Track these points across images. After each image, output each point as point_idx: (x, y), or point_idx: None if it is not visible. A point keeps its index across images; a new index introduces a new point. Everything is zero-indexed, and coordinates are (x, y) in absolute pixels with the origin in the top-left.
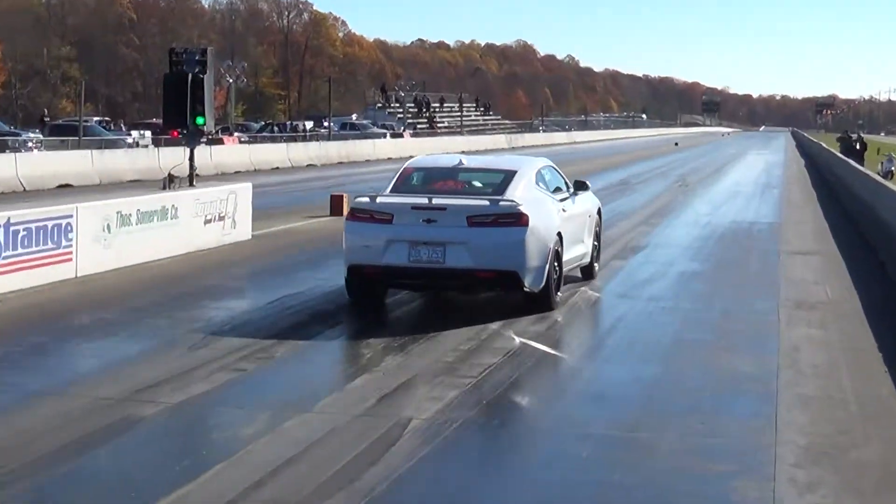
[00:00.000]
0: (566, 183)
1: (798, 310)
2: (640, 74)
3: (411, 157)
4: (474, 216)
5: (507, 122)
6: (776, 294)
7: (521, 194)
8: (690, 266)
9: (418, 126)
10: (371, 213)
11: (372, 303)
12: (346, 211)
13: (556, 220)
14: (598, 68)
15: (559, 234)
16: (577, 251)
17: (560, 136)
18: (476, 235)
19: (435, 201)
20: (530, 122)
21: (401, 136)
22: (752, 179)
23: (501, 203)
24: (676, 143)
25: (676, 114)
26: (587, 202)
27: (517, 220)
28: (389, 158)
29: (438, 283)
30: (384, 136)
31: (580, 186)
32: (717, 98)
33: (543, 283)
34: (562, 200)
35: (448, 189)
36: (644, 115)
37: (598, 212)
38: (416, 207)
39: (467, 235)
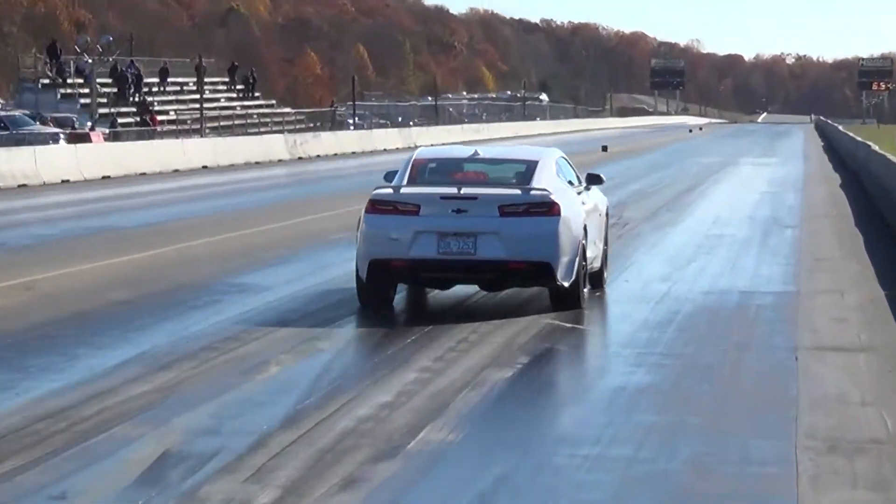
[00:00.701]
0: (577, 175)
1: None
2: (535, 20)
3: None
4: (507, 205)
5: (288, 109)
6: (789, 447)
7: (548, 184)
8: (631, 379)
9: (120, 121)
10: (395, 205)
11: (384, 305)
12: None
13: (581, 212)
14: (457, 9)
15: (585, 228)
16: (591, 251)
17: (384, 138)
18: (509, 225)
19: (465, 191)
20: (332, 109)
21: (86, 138)
22: (746, 211)
23: (533, 192)
24: (605, 148)
25: (605, 93)
26: (598, 198)
27: (550, 209)
28: (66, 182)
29: (469, 275)
30: (56, 139)
31: (593, 180)
32: (679, 63)
33: (574, 278)
34: (578, 194)
35: (471, 180)
36: (544, 97)
37: (607, 211)
38: (445, 197)
39: (499, 225)
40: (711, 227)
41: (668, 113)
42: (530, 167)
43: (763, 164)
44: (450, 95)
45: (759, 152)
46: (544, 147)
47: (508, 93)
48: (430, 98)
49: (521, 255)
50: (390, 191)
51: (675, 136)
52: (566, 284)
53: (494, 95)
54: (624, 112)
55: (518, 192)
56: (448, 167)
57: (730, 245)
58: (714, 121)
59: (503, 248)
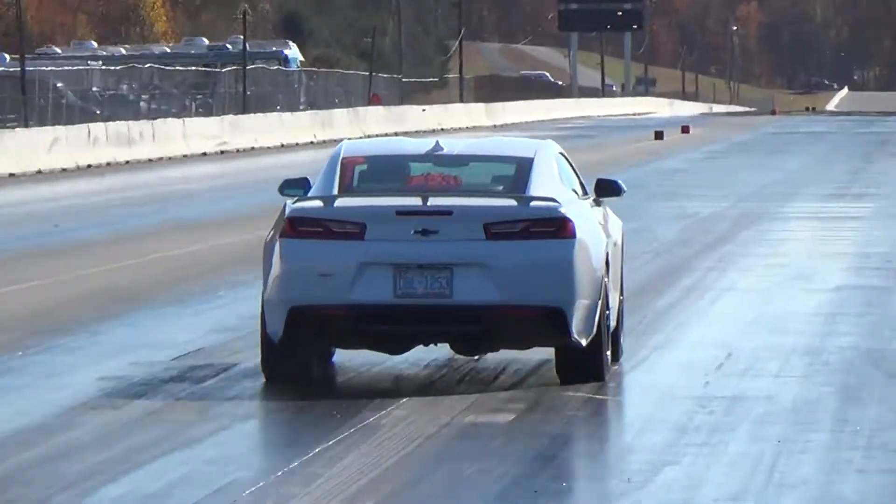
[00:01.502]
0: (581, 182)
1: None
2: None
3: None
4: (496, 223)
5: None
6: None
7: (553, 192)
8: None
9: None
10: (327, 224)
11: (304, 379)
12: None
13: (601, 235)
14: None
15: (607, 259)
16: (612, 298)
17: None
18: (500, 252)
19: (433, 202)
20: None
21: None
22: (793, 342)
23: (535, 203)
24: None
25: (433, 60)
26: (612, 219)
27: (560, 228)
28: None
29: (440, 329)
30: None
31: (606, 189)
32: None
33: (594, 334)
34: (591, 208)
35: (437, 186)
36: (292, 52)
37: (623, 240)
38: (403, 212)
39: (486, 252)
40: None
41: (615, 93)
42: (523, 167)
43: (842, 214)
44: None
45: (833, 185)
46: (533, 139)
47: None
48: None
49: (520, 297)
50: (318, 203)
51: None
52: (583, 343)
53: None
54: (481, 88)
55: (512, 202)
56: (398, 168)
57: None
58: (731, 108)
59: (492, 288)
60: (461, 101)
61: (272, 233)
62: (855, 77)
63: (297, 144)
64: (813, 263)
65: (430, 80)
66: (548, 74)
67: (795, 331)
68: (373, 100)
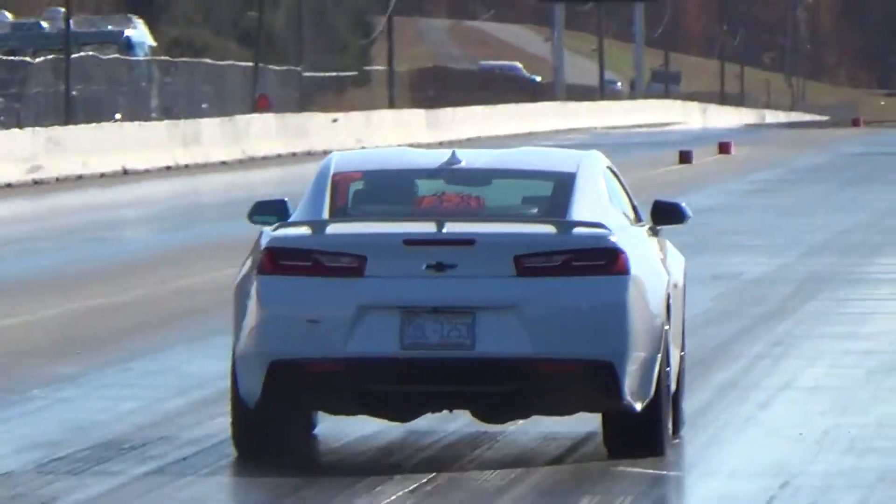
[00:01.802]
0: (634, 204)
1: None
2: None
3: None
4: (529, 255)
5: None
6: None
7: (601, 216)
8: None
9: None
10: (317, 258)
11: (284, 450)
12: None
13: (661, 271)
14: None
15: (668, 301)
16: (674, 352)
17: None
18: (535, 292)
19: (449, 228)
20: None
21: None
22: None
23: (580, 231)
24: None
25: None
26: (672, 253)
27: (611, 262)
28: None
29: (459, 390)
30: None
31: (666, 216)
32: None
33: (652, 396)
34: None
35: (454, 208)
36: (136, 31)
37: (685, 281)
38: (413, 241)
39: (518, 292)
40: None
41: (620, 94)
42: (563, 184)
43: None
44: None
45: None
46: (573, 150)
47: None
48: None
49: (560, 348)
50: (306, 231)
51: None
52: (638, 407)
53: None
54: (422, 86)
55: (550, 229)
56: (404, 186)
57: None
58: (794, 117)
59: (525, 337)
60: (391, 105)
61: (246, 269)
62: None
63: (147, 171)
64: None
65: (346, 74)
66: (520, 66)
67: (884, 449)
68: (259, 104)
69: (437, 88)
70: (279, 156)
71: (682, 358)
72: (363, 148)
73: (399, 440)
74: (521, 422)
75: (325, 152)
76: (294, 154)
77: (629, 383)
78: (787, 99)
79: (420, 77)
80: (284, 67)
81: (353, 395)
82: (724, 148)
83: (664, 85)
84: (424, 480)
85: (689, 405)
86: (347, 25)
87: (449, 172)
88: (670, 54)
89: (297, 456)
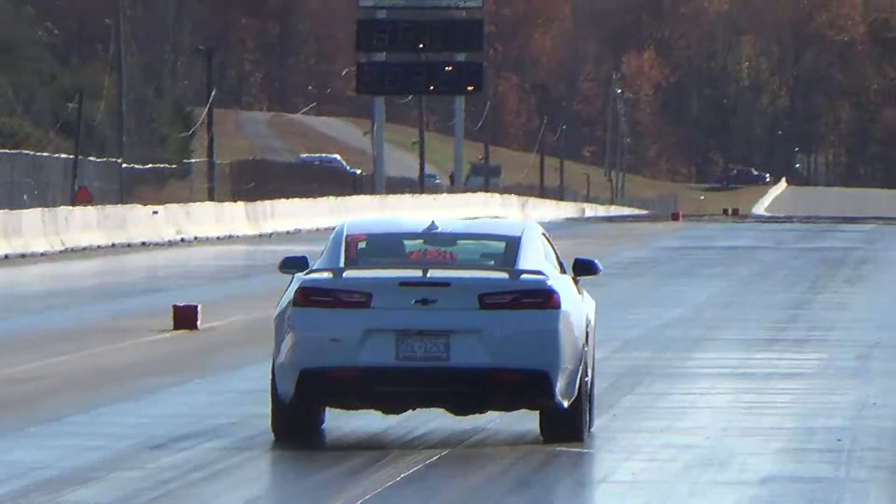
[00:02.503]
0: (560, 261)
1: None
2: None
3: None
4: (491, 294)
5: None
6: None
7: (540, 266)
8: None
9: None
10: (337, 294)
11: (312, 436)
12: None
13: (582, 308)
14: None
15: (587, 331)
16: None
17: None
18: (492, 321)
19: (432, 274)
20: None
21: None
22: None
23: (525, 277)
24: None
25: None
26: (588, 298)
27: (547, 299)
28: None
29: (437, 391)
30: None
31: (585, 268)
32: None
33: (576, 396)
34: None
35: (435, 260)
36: None
37: (595, 319)
38: (406, 283)
39: (480, 321)
40: None
41: (439, 187)
42: (512, 244)
43: (776, 369)
44: None
45: (763, 326)
46: (518, 220)
47: None
48: None
49: (511, 361)
50: (328, 275)
51: None
52: (565, 404)
53: None
54: (242, 178)
55: (504, 275)
56: (396, 245)
57: None
58: (613, 211)
59: (486, 353)
60: (211, 197)
61: (284, 304)
62: (797, 165)
63: None
64: (731, 443)
65: (166, 166)
66: (340, 159)
67: None
68: (79, 196)
69: (258, 180)
70: (99, 247)
71: (592, 378)
72: (182, 240)
73: (384, 434)
74: (481, 418)
75: (145, 244)
76: (114, 245)
77: (559, 388)
78: (607, 192)
79: (240, 169)
80: (105, 159)
81: (360, 394)
82: None
83: (484, 178)
84: (396, 454)
85: None
86: (168, 117)
87: (429, 235)
88: (490, 147)
89: (316, 436)
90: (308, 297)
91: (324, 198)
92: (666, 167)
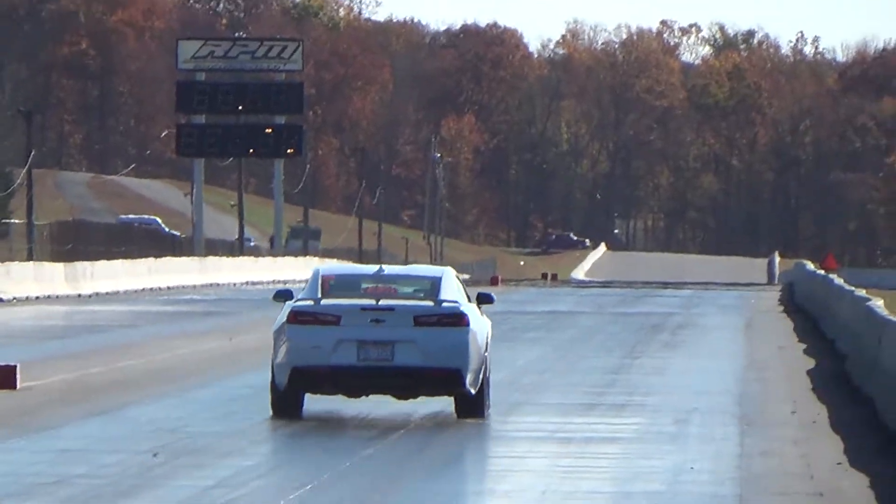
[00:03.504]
0: (468, 295)
1: None
2: None
3: None
4: (421, 316)
5: None
6: None
7: (455, 296)
8: None
9: None
10: (315, 316)
11: (297, 414)
12: None
13: (485, 326)
14: None
15: (487, 342)
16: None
17: None
18: (423, 334)
19: (382, 302)
20: None
21: None
22: None
23: (445, 304)
24: None
25: None
26: (486, 319)
27: (460, 320)
28: None
29: (386, 381)
30: None
31: (485, 299)
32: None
33: (479, 386)
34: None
35: (382, 293)
36: None
37: (490, 333)
38: (365, 308)
39: (415, 335)
40: None
41: (258, 250)
42: (435, 282)
43: (595, 433)
44: None
45: (581, 390)
46: (438, 267)
47: None
48: None
49: (435, 362)
50: (310, 302)
51: None
52: (473, 392)
53: None
54: (61, 239)
55: (430, 304)
56: (358, 282)
57: None
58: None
59: (419, 356)
60: (30, 258)
61: (279, 322)
62: (616, 230)
63: None
64: None
65: None
66: (158, 220)
67: None
68: None
69: (78, 241)
70: None
71: (488, 377)
72: (1, 300)
73: (345, 411)
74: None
75: None
76: None
77: (469, 381)
78: (426, 256)
79: (60, 230)
80: None
81: (333, 384)
82: None
83: (304, 241)
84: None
85: None
86: None
87: (379, 276)
88: (310, 210)
89: (299, 414)
90: (297, 317)
91: (143, 259)
92: (485, 231)
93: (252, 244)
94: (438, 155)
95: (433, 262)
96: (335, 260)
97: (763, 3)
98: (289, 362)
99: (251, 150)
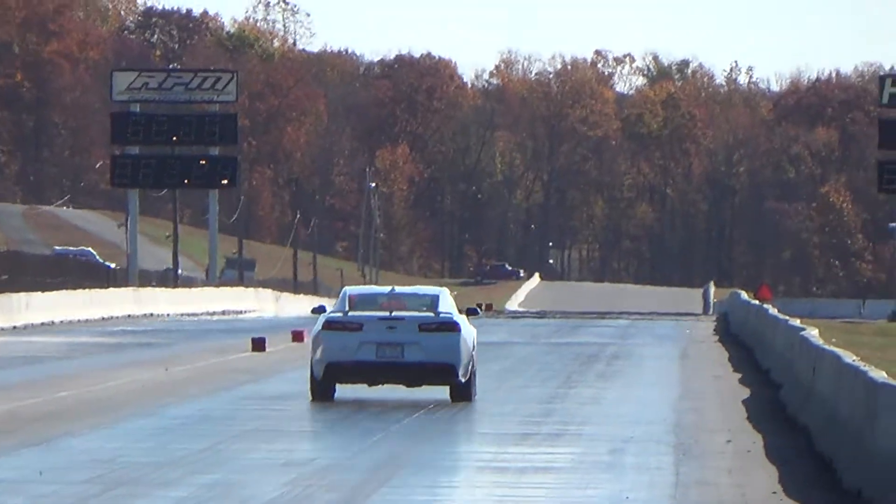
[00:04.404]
0: (458, 308)
1: None
2: None
3: None
4: (424, 324)
5: None
6: None
7: (450, 309)
8: None
9: None
10: (344, 324)
11: (330, 399)
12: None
13: (472, 331)
14: None
15: (474, 343)
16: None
17: None
18: (426, 338)
19: (395, 314)
20: None
21: None
22: None
23: (441, 315)
24: None
25: None
26: (473, 328)
27: (453, 327)
28: None
29: (398, 373)
30: None
31: (472, 312)
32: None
33: (468, 377)
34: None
35: (395, 306)
36: None
37: (476, 337)
38: (381, 319)
39: (420, 337)
40: None
41: (193, 281)
42: (434, 299)
43: (530, 463)
44: None
45: (517, 420)
46: (436, 287)
47: None
48: None
49: (435, 358)
50: (340, 314)
51: None
52: (463, 380)
53: None
54: None
55: (431, 315)
56: (376, 299)
57: None
58: None
59: (423, 354)
60: None
61: (316, 329)
62: (551, 260)
63: None
64: None
65: None
66: (93, 252)
67: None
68: None
69: (12, 273)
70: None
71: (474, 369)
72: None
73: (368, 397)
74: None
75: None
76: None
77: (460, 373)
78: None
79: None
80: None
81: (357, 375)
82: (297, 336)
83: (239, 272)
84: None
85: None
86: None
87: (392, 294)
88: (245, 241)
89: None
90: (330, 325)
91: (79, 290)
92: (419, 262)
93: (181, 273)
94: (373, 185)
95: None
96: (270, 289)
97: (697, 33)
98: (324, 359)
99: (186, 181)
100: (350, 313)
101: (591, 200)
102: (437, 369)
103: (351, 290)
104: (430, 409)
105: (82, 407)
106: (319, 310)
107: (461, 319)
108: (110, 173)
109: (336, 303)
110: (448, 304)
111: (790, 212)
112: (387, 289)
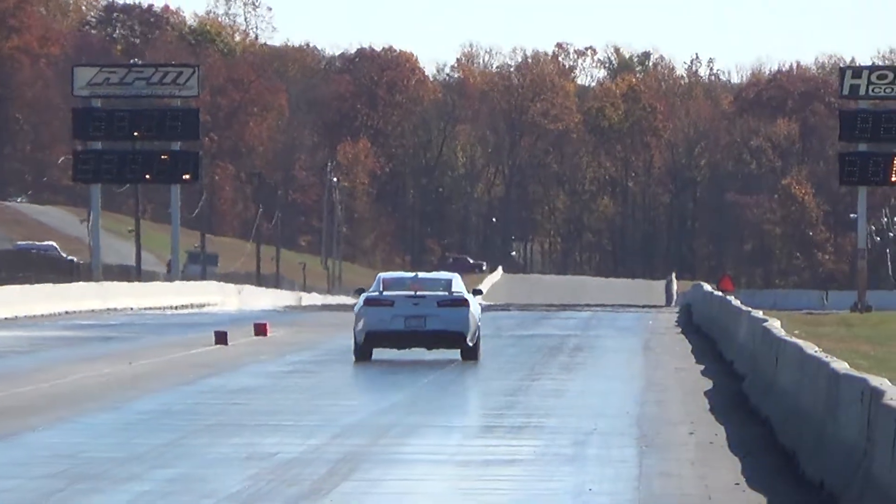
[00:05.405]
0: (466, 287)
1: None
2: None
3: None
4: (441, 301)
5: None
6: None
7: (460, 290)
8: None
9: None
10: (379, 301)
11: (369, 359)
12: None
13: (478, 306)
14: None
15: (479, 315)
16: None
17: None
18: (443, 311)
19: (419, 293)
20: None
21: None
22: None
23: (454, 294)
24: None
25: None
26: (478, 303)
27: (463, 303)
28: None
29: (421, 338)
30: None
31: (477, 293)
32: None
33: (475, 341)
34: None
35: (419, 287)
36: None
37: (481, 311)
38: (408, 297)
39: (438, 311)
40: None
41: (156, 275)
42: (448, 281)
43: (493, 456)
44: None
45: (480, 412)
46: (448, 273)
47: None
48: None
49: (450, 327)
50: (377, 293)
51: None
52: (471, 344)
53: None
54: None
55: (446, 293)
56: (404, 282)
57: None
58: (330, 299)
59: (440, 324)
60: None
61: (359, 305)
62: (513, 253)
63: None
64: None
65: None
66: (56, 246)
67: None
68: None
69: None
70: None
71: (480, 336)
72: None
73: (398, 358)
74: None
75: None
76: None
77: (468, 338)
78: (324, 281)
79: None
80: None
81: (390, 341)
82: (260, 329)
83: (201, 266)
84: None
85: None
86: None
87: (416, 278)
88: (207, 236)
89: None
90: (369, 302)
91: (41, 285)
92: (382, 256)
93: (145, 269)
94: (335, 179)
95: (331, 286)
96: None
97: (658, 25)
98: (364, 328)
99: (148, 176)
100: (384, 293)
101: (553, 194)
102: (451, 336)
103: (384, 275)
104: (394, 403)
105: (44, 401)
106: (361, 291)
107: (470, 297)
108: (72, 168)
109: (372, 285)
110: (459, 286)
111: (752, 204)
112: (412, 274)
